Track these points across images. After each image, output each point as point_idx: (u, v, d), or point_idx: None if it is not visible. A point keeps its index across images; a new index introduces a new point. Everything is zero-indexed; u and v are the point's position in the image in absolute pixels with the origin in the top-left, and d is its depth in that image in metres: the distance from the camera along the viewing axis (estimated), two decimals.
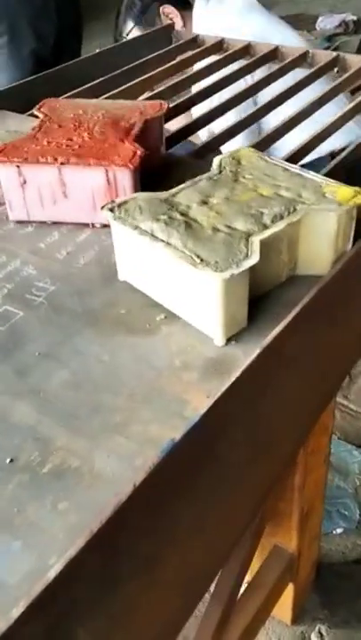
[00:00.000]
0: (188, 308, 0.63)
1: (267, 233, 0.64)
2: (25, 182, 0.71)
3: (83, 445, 0.51)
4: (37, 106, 0.87)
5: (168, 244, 0.62)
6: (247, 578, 1.05)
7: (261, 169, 0.74)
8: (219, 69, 1.29)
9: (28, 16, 1.78)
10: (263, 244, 0.63)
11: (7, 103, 1.12)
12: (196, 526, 0.54)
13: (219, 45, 1.39)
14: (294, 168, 0.74)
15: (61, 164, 0.70)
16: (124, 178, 0.70)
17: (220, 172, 0.74)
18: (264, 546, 1.07)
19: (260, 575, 1.08)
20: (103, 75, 1.23)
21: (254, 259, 0.60)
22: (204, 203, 0.69)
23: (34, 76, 1.19)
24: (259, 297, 0.66)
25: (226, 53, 1.33)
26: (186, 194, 0.70)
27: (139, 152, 0.71)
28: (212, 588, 0.95)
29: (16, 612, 0.37)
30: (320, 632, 1.21)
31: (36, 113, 0.86)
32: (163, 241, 0.62)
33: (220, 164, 0.75)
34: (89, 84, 1.18)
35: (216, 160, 0.75)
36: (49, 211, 0.74)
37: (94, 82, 1.19)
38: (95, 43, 2.16)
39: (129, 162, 0.70)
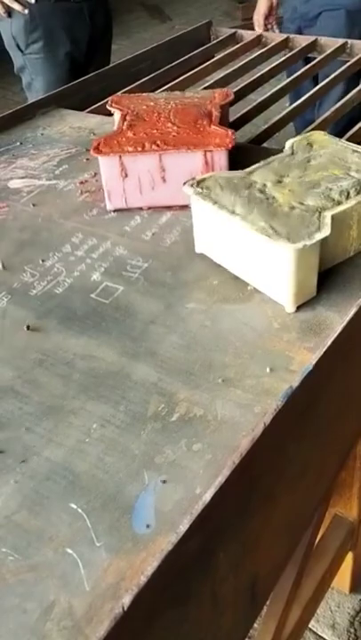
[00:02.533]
0: (261, 277, 0.68)
1: (338, 209, 0.69)
2: (125, 171, 0.77)
3: (203, 397, 0.56)
4: (109, 102, 0.92)
5: (245, 217, 0.67)
6: None
7: (332, 151, 0.79)
8: (260, 63, 1.35)
9: (63, 21, 1.84)
10: (335, 219, 0.68)
11: (65, 102, 1.18)
12: (302, 468, 0.60)
13: (257, 40, 1.44)
14: None
15: (162, 150, 0.75)
16: (221, 158, 0.75)
17: (293, 153, 0.80)
18: (325, 515, 1.12)
19: (322, 543, 1.13)
20: (150, 71, 1.29)
21: (326, 232, 0.65)
22: (279, 182, 0.74)
23: (88, 76, 1.25)
24: (329, 270, 0.71)
25: (265, 48, 1.39)
26: (260, 173, 0.76)
27: (230, 133, 0.77)
28: None
29: (182, 528, 0.43)
30: None
31: (109, 109, 0.91)
32: (239, 215, 0.68)
33: (292, 147, 0.80)
34: (139, 81, 1.24)
35: (289, 143, 0.81)
36: (147, 197, 0.79)
37: (144, 79, 1.24)
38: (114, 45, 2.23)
39: (226, 142, 0.75)
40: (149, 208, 0.82)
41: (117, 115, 0.88)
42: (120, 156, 0.76)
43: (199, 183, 0.72)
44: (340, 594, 1.28)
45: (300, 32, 1.76)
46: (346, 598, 1.27)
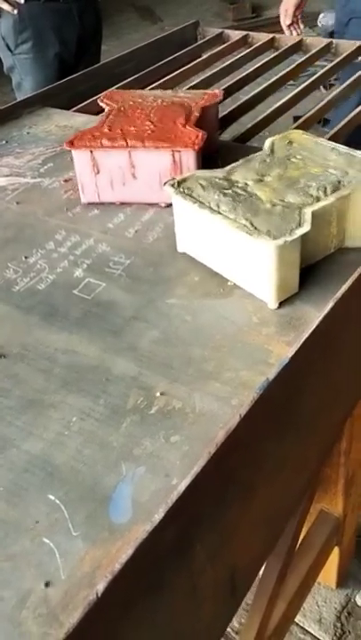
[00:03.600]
0: (243, 275, 0.69)
1: (318, 205, 0.70)
2: (97, 166, 0.78)
3: (182, 390, 0.57)
4: (101, 97, 0.93)
5: (226, 216, 0.68)
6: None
7: (311, 149, 0.80)
8: (246, 63, 1.35)
9: (52, 22, 1.84)
10: (314, 215, 0.68)
11: (51, 101, 1.19)
12: (281, 461, 0.60)
13: (244, 40, 1.45)
14: (343, 148, 0.80)
15: (131, 147, 0.76)
16: (189, 158, 0.76)
17: (272, 152, 0.80)
18: (310, 511, 1.13)
19: (308, 538, 1.14)
20: (137, 70, 1.30)
21: (306, 227, 0.66)
22: (260, 180, 0.75)
23: (74, 75, 1.26)
24: (310, 266, 0.71)
25: (251, 47, 1.40)
26: (240, 172, 0.76)
27: (201, 134, 0.77)
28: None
29: (157, 517, 0.43)
30: None
31: (101, 104, 0.92)
32: (221, 213, 0.68)
33: (271, 145, 0.81)
34: (126, 80, 1.24)
35: (268, 141, 0.81)
36: (118, 192, 0.80)
37: (131, 78, 1.25)
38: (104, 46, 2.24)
39: (193, 143, 0.76)
40: (122, 203, 0.83)
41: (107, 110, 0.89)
42: (91, 151, 0.77)
43: (180, 183, 0.73)
44: (327, 589, 1.29)
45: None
46: (333, 593, 1.28)
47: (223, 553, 0.55)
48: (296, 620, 1.22)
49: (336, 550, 1.21)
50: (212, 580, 0.55)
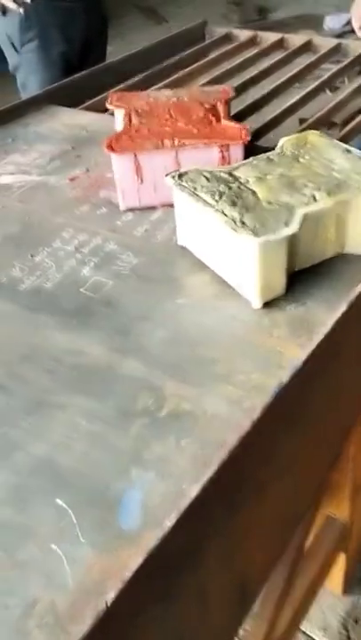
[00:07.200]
0: (230, 271, 0.67)
1: (311, 207, 0.67)
2: (140, 169, 0.75)
3: (193, 392, 0.55)
4: (109, 100, 0.91)
5: (218, 209, 0.66)
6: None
7: (322, 151, 0.78)
8: (254, 63, 1.34)
9: (58, 21, 1.83)
10: (309, 217, 0.66)
11: (57, 99, 1.18)
12: (291, 464, 0.59)
13: (252, 40, 1.44)
14: (357, 152, 0.77)
15: (178, 146, 0.74)
16: (238, 152, 0.75)
17: (282, 152, 0.78)
18: (317, 517, 1.11)
19: (315, 544, 1.12)
20: (144, 70, 1.28)
21: (293, 228, 0.64)
22: (261, 178, 0.73)
23: (80, 74, 1.24)
24: (320, 264, 0.69)
25: (260, 48, 1.38)
26: (245, 169, 0.74)
27: (246, 127, 0.76)
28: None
29: (168, 523, 0.42)
30: None
31: (109, 107, 0.90)
32: (213, 206, 0.66)
33: (282, 146, 0.79)
34: (134, 79, 1.23)
35: (281, 141, 0.80)
36: (161, 194, 0.78)
37: (137, 77, 1.24)
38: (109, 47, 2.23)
39: (241, 137, 0.75)
40: (163, 206, 0.81)
41: (119, 112, 0.87)
42: (135, 154, 0.75)
43: (181, 176, 0.71)
44: (333, 595, 1.27)
45: None
46: (338, 600, 1.26)
47: (234, 558, 0.53)
48: (301, 626, 1.20)
49: (342, 556, 1.20)
50: (222, 586, 0.53)
